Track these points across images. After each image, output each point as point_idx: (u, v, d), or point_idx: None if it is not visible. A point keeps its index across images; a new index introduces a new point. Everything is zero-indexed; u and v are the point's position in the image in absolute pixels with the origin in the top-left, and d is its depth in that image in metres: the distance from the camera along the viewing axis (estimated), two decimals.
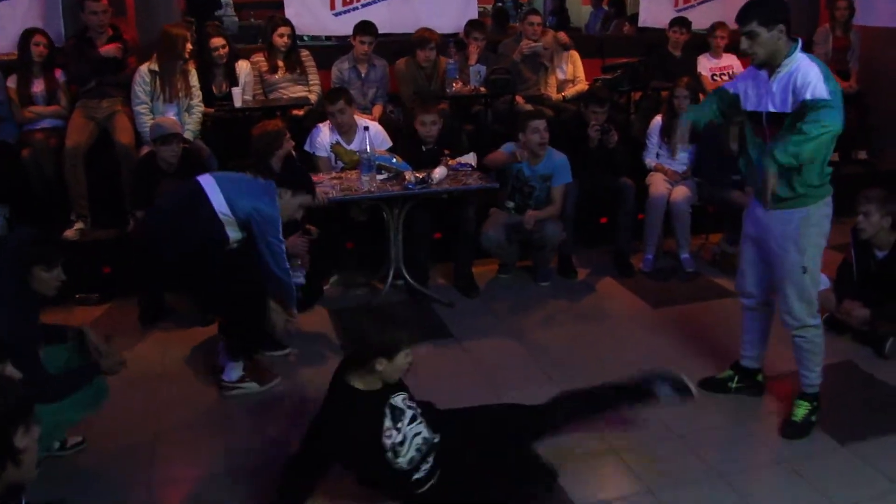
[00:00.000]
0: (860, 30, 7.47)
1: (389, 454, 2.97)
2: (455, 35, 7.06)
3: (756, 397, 4.06)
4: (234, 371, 4.13)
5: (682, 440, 3.70)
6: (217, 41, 5.93)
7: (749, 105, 3.58)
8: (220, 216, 3.91)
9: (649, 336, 4.82)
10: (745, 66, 7.40)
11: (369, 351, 2.94)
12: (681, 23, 7.12)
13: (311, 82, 6.32)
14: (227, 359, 4.16)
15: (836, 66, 7.35)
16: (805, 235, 3.53)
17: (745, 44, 3.39)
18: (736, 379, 4.08)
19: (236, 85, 5.95)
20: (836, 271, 4.80)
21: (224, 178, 4.05)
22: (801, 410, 3.78)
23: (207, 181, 3.99)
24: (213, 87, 6.00)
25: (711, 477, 3.44)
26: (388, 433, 2.96)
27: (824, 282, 4.81)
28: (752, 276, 3.86)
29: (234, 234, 3.98)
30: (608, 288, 5.57)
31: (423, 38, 6.40)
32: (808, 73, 3.29)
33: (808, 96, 3.26)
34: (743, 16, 3.35)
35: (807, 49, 7.79)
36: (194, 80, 5.72)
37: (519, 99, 6.48)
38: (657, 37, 7.55)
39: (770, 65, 3.42)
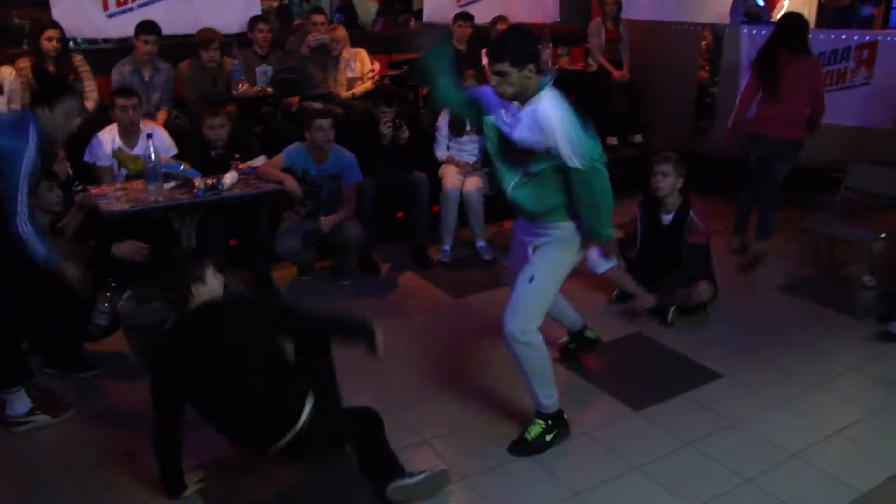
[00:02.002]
0: (628, 23, 7.99)
1: None
2: (240, 35, 6.89)
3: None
4: (18, 404, 3.77)
5: (493, 426, 3.84)
6: None
7: (502, 125, 3.46)
8: None
9: (453, 326, 4.94)
10: None
11: (181, 288, 3.05)
12: (464, 17, 7.31)
13: (87, 89, 5.95)
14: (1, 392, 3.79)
15: (609, 56, 7.85)
16: (546, 249, 3.58)
17: (494, 81, 3.33)
18: (571, 342, 4.46)
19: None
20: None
21: None
22: (536, 429, 3.68)
23: None
24: None
25: (521, 458, 3.59)
26: None
27: (608, 261, 5.10)
28: None
29: None
30: (410, 282, 5.65)
31: (207, 38, 6.22)
32: (552, 123, 3.24)
33: (565, 159, 3.24)
34: (493, 55, 3.31)
35: (582, 40, 8.28)
36: None
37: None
38: (442, 30, 7.70)
39: (519, 100, 3.38)
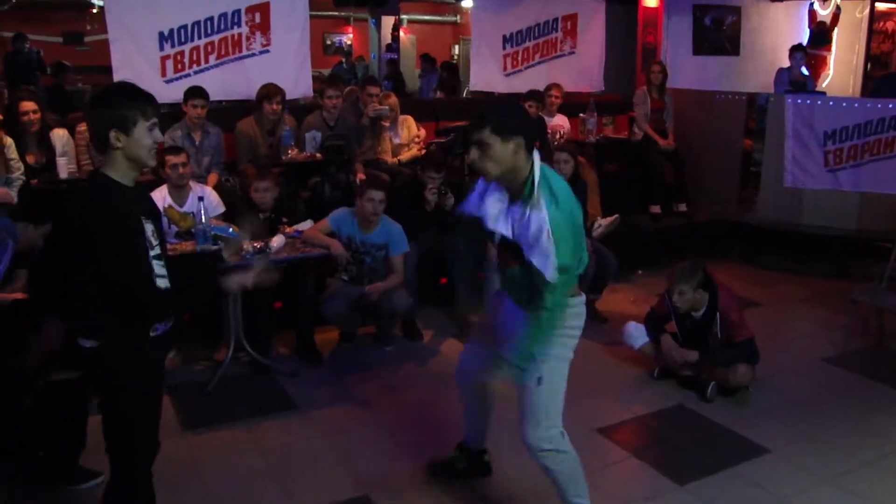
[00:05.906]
0: (673, 92, 8.04)
1: (154, 262, 2.50)
2: (296, 101, 7.08)
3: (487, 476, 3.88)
4: None
5: None
6: (27, 105, 5.68)
7: (502, 227, 3.02)
8: None
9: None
10: (573, 125, 7.83)
11: (100, 123, 2.51)
12: (534, 97, 7.36)
13: None
14: None
15: (654, 125, 7.89)
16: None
17: (474, 154, 2.90)
18: (459, 458, 3.86)
19: (52, 155, 5.73)
20: (647, 318, 5.12)
21: None
22: None
23: None
24: (28, 158, 5.70)
25: None
26: (151, 237, 2.52)
27: (643, 336, 5.06)
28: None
29: None
30: (452, 348, 5.62)
31: (270, 91, 6.38)
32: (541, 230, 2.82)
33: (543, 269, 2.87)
34: (472, 125, 2.92)
35: (627, 109, 8.35)
36: (12, 152, 5.44)
37: (359, 174, 6.38)
38: (488, 99, 7.84)
39: (509, 182, 2.95)
